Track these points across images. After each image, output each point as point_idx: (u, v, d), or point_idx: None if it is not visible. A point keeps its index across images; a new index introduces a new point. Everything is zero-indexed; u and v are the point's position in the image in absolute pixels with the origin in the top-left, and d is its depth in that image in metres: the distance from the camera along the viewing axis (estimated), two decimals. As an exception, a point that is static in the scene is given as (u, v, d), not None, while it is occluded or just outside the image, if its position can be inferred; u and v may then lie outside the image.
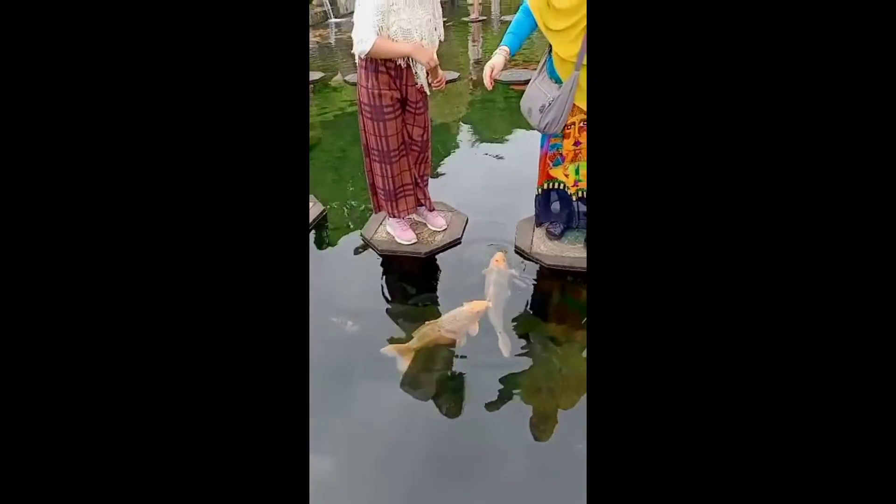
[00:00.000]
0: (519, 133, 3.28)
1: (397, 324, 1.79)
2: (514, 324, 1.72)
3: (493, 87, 1.71)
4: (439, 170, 2.91)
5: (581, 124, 1.78)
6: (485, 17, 7.87)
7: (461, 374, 1.57)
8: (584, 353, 1.62)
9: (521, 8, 1.69)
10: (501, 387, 1.51)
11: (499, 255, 1.94)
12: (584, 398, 1.47)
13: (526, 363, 1.59)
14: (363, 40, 1.62)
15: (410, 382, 1.54)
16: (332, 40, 7.43)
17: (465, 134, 3.64)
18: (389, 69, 1.74)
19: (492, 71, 1.66)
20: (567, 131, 1.80)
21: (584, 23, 1.55)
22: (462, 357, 1.61)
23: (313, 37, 7.51)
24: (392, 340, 1.68)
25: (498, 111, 4.05)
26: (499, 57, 1.69)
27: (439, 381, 1.55)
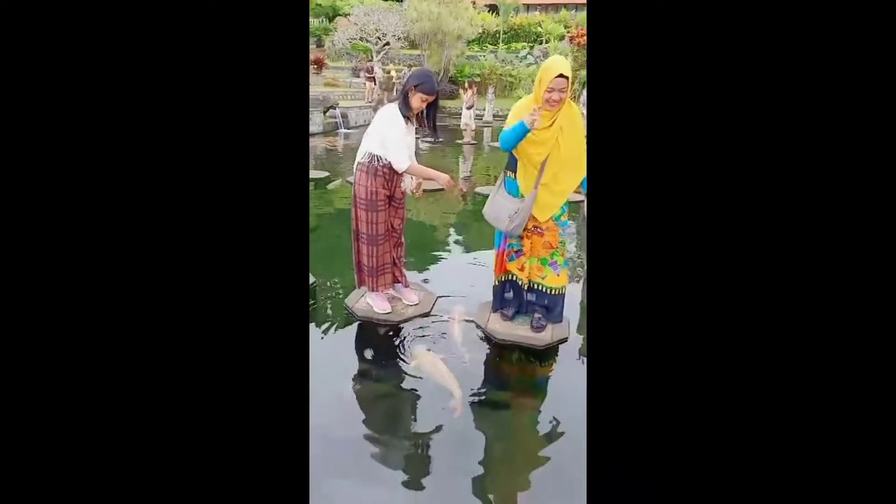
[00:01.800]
0: (491, 235, 3.82)
1: (367, 382, 2.10)
2: (472, 391, 1.99)
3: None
4: (426, 261, 3.37)
5: (532, 228, 2.27)
6: (475, 142, 9.02)
7: (427, 446, 1.74)
8: (533, 417, 1.92)
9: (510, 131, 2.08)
10: (462, 457, 1.67)
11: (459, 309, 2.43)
12: (538, 470, 1.64)
13: (480, 432, 1.81)
14: (402, 161, 2.21)
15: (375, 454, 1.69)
16: (340, 147, 8.39)
17: (448, 232, 4.19)
18: (385, 174, 2.27)
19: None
20: (523, 232, 2.29)
21: (543, 157, 2.10)
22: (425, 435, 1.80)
23: (324, 142, 8.47)
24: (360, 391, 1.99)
25: (477, 217, 4.65)
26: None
27: (405, 452, 1.71)
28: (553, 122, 2.07)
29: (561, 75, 1.94)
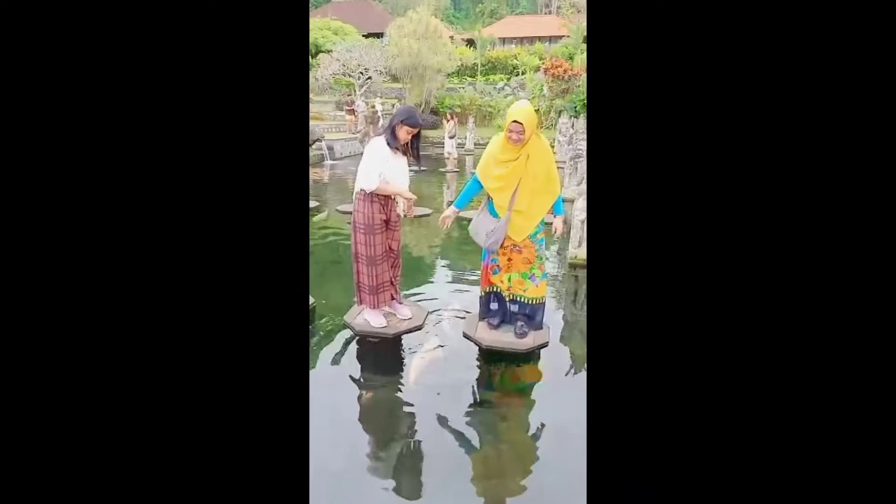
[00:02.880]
0: (475, 256, 4.07)
1: (366, 388, 2.28)
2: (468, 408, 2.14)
3: (450, 225, 2.60)
4: (414, 279, 3.58)
5: (511, 246, 2.52)
6: (458, 170, 9.38)
7: (419, 445, 1.87)
8: (525, 415, 2.12)
9: (472, 179, 2.56)
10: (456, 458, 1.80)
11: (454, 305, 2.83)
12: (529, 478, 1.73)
13: (474, 431, 1.96)
14: (371, 181, 2.45)
15: (372, 457, 1.81)
16: (326, 177, 8.66)
17: (435, 256, 4.42)
18: (380, 199, 2.52)
19: (445, 220, 2.60)
20: (502, 249, 2.54)
21: (514, 185, 2.39)
22: (417, 439, 1.93)
23: (311, 173, 8.73)
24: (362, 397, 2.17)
25: (462, 241, 4.91)
26: (448, 210, 2.59)
27: (399, 456, 1.80)
28: (519, 156, 2.37)
29: (515, 121, 2.29)
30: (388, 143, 2.49)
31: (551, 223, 2.55)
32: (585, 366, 2.43)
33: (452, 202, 2.64)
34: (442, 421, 2.00)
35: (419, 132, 2.56)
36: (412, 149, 2.62)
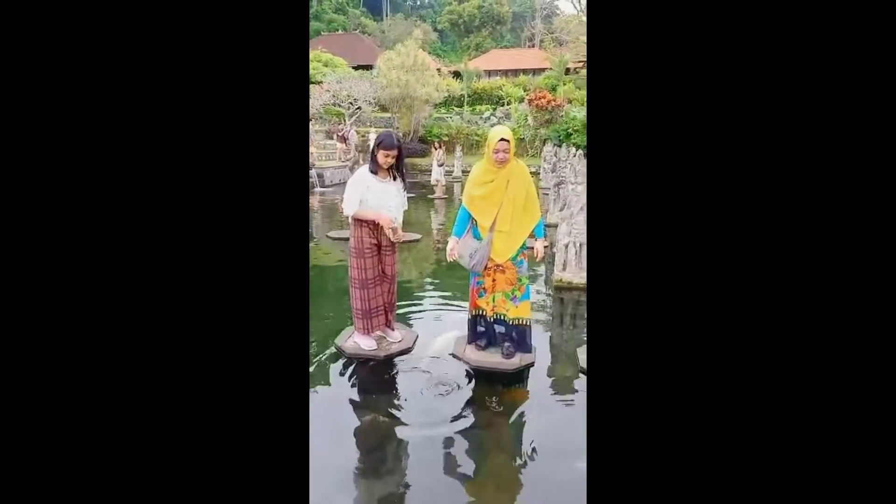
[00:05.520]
0: (463, 281, 4.15)
1: (358, 406, 2.32)
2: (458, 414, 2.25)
3: (457, 255, 2.62)
4: (404, 302, 3.65)
5: (494, 267, 2.62)
6: (446, 196, 9.55)
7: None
8: (511, 436, 2.17)
9: (461, 208, 2.67)
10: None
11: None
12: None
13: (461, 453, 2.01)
14: (349, 206, 2.56)
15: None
16: (316, 204, 8.75)
17: (424, 280, 4.50)
18: (368, 224, 2.61)
19: (451, 253, 2.64)
20: (486, 271, 2.63)
21: (496, 206, 2.52)
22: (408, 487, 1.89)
23: (301, 201, 8.80)
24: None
25: (450, 266, 5.00)
26: (451, 242, 2.66)
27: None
28: (499, 177, 2.51)
29: (503, 139, 2.45)
30: (371, 170, 2.60)
31: (532, 247, 2.65)
32: (573, 386, 2.50)
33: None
34: (431, 441, 2.05)
35: (401, 154, 2.63)
36: (397, 171, 2.69)
